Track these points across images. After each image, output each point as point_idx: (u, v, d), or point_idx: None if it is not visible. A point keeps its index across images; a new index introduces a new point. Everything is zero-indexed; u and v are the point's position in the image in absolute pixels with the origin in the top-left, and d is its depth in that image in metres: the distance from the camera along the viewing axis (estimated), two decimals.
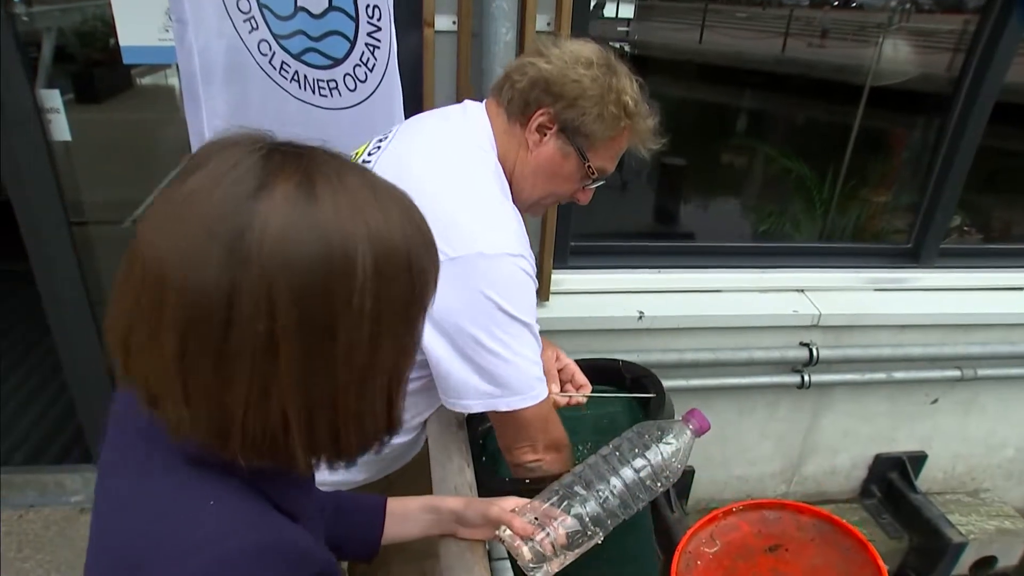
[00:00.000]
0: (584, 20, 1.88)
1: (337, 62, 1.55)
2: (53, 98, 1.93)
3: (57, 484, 2.43)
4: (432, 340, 1.01)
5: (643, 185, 2.89)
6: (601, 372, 1.43)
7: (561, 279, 2.17)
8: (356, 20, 1.51)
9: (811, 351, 2.27)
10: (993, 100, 2.20)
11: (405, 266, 0.57)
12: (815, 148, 2.94)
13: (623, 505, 0.96)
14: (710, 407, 2.31)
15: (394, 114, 1.56)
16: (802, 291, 2.36)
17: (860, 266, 2.43)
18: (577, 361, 1.35)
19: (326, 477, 1.20)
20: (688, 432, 1.00)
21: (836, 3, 3.41)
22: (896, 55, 2.70)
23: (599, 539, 0.95)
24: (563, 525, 0.92)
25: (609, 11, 2.54)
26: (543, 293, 2.10)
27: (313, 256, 0.52)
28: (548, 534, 0.91)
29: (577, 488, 0.95)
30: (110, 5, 1.69)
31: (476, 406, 1.05)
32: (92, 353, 2.24)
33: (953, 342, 2.39)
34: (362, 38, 1.52)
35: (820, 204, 2.70)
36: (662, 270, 2.30)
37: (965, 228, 2.68)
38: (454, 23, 1.75)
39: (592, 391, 1.32)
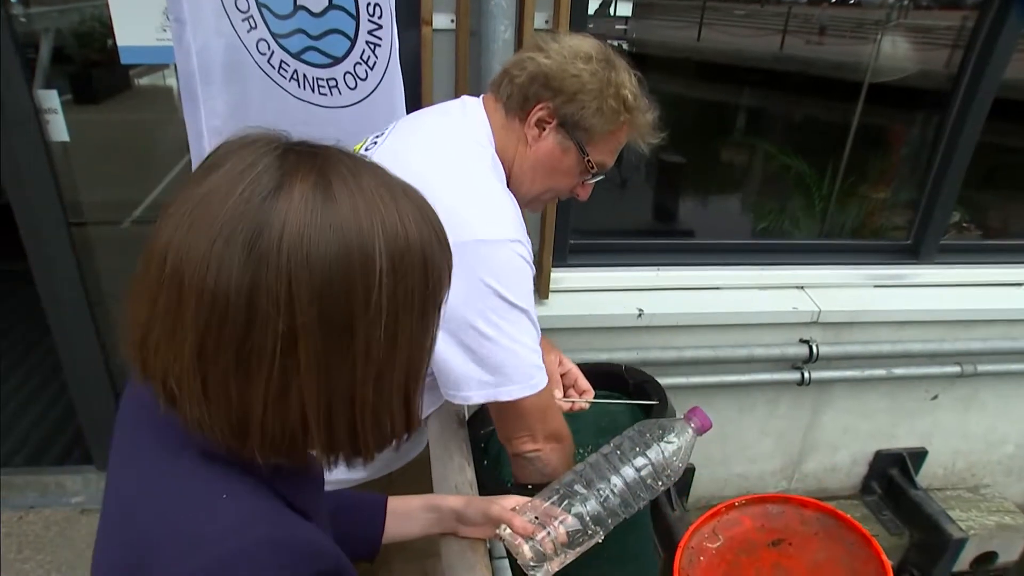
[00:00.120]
0: (582, 17, 1.88)
1: (337, 60, 1.55)
2: (51, 99, 1.93)
3: (58, 485, 2.43)
4: None
5: (642, 183, 2.89)
6: (604, 377, 1.43)
7: (560, 277, 2.17)
8: (357, 18, 1.51)
9: (811, 348, 2.27)
10: (992, 96, 2.20)
11: (420, 263, 0.58)
12: (814, 145, 2.94)
13: (624, 504, 0.95)
14: (710, 405, 2.31)
15: (395, 112, 1.56)
16: (802, 288, 2.36)
17: (860, 263, 2.43)
18: (580, 366, 1.35)
19: (327, 476, 1.21)
20: (690, 431, 1.00)
21: (834, 0, 3.41)
22: (895, 52, 2.70)
23: (600, 538, 0.95)
24: (564, 524, 0.92)
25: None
26: (542, 291, 2.10)
27: (332, 255, 0.53)
28: (549, 533, 0.91)
29: (578, 487, 0.95)
30: (107, 5, 1.69)
31: (475, 397, 1.04)
32: (92, 354, 2.24)
33: (953, 338, 2.39)
34: (363, 36, 1.51)
35: (819, 201, 2.70)
36: (661, 268, 2.29)
37: (964, 224, 2.68)
38: (452, 21, 1.75)
39: (595, 396, 1.32)
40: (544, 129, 1.10)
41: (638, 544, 1.42)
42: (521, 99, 1.10)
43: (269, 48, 1.54)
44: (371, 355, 0.57)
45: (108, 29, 1.73)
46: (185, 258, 0.53)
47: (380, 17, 1.49)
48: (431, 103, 1.75)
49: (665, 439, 0.98)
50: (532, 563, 0.91)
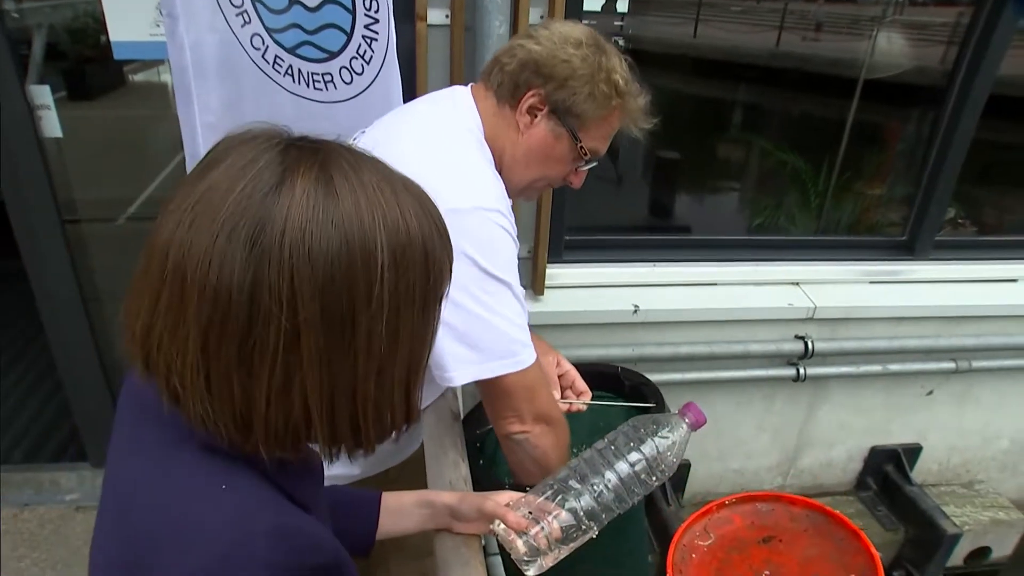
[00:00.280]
0: (577, 13, 1.88)
1: (333, 55, 1.55)
2: (44, 95, 1.92)
3: (52, 482, 2.42)
4: None
5: (638, 179, 2.89)
6: (600, 379, 1.44)
7: (556, 273, 2.17)
8: (353, 12, 1.50)
9: (806, 344, 2.28)
10: (987, 93, 2.20)
11: (421, 257, 0.59)
12: (810, 141, 2.94)
13: (618, 499, 0.95)
14: (706, 401, 2.31)
15: (392, 107, 1.55)
16: (797, 284, 2.37)
17: (855, 259, 2.43)
18: (576, 366, 1.35)
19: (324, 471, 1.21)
20: (684, 426, 1.00)
21: None
22: (890, 48, 2.70)
23: (594, 533, 0.95)
24: (558, 519, 0.91)
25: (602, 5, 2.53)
26: (537, 287, 2.09)
27: (334, 250, 0.54)
28: (543, 528, 0.91)
29: (572, 482, 0.95)
30: (100, 1, 1.68)
31: (459, 377, 1.01)
32: (86, 351, 2.23)
33: (948, 334, 2.40)
34: (359, 30, 1.51)
35: (815, 197, 2.70)
36: (657, 263, 2.29)
37: (960, 220, 2.69)
38: (447, 17, 1.75)
39: (591, 398, 1.32)
40: (536, 116, 1.10)
41: (633, 541, 1.42)
42: (512, 86, 1.09)
43: (263, 43, 1.53)
44: (373, 349, 0.57)
45: (102, 25, 1.72)
46: (187, 254, 0.53)
47: (377, 11, 1.49)
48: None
49: (659, 434, 0.97)
50: (526, 558, 0.91)
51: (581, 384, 1.31)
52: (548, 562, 0.93)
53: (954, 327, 2.40)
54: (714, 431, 2.48)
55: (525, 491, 0.98)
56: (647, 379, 1.44)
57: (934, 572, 2.51)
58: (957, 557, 2.59)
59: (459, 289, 0.96)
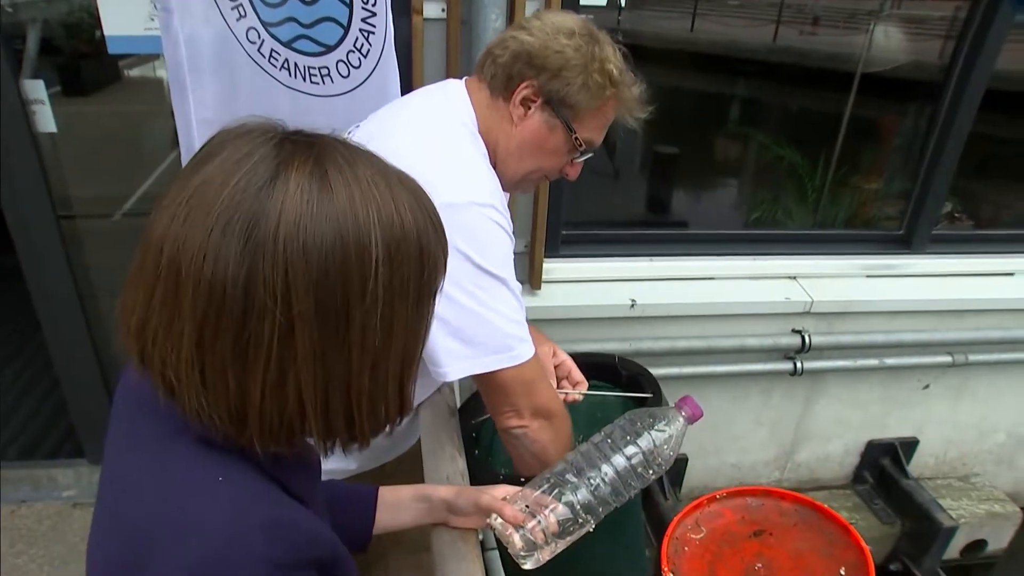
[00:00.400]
0: (573, 7, 1.87)
1: (329, 49, 1.54)
2: (37, 89, 1.91)
3: (50, 479, 2.42)
4: None
5: (635, 173, 2.89)
6: (597, 369, 1.43)
7: (552, 267, 2.16)
8: (350, 6, 1.50)
9: (803, 338, 2.28)
10: (983, 87, 2.20)
11: (416, 251, 0.59)
12: (807, 136, 2.94)
13: (615, 493, 0.95)
14: (703, 395, 2.31)
15: (389, 100, 1.55)
16: (794, 278, 2.37)
17: (852, 253, 2.43)
18: (573, 357, 1.35)
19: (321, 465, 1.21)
20: (681, 419, 1.00)
21: None
22: (887, 42, 2.70)
23: (590, 527, 0.95)
24: (554, 513, 0.91)
25: None
26: (534, 282, 2.09)
27: (328, 244, 0.54)
28: (539, 522, 0.91)
29: (568, 476, 0.95)
30: None
31: (453, 372, 1.01)
32: (83, 347, 2.23)
33: (945, 328, 2.40)
34: (356, 24, 1.50)
35: (812, 191, 2.70)
36: (654, 258, 2.29)
37: (956, 214, 2.69)
38: (443, 10, 1.74)
39: (588, 388, 1.31)
40: (529, 108, 1.09)
41: (630, 535, 1.42)
42: (505, 78, 1.08)
43: (259, 37, 1.52)
44: (367, 343, 0.58)
45: (96, 19, 1.71)
46: (182, 248, 0.53)
47: (374, 5, 1.48)
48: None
49: (656, 428, 0.97)
50: (523, 552, 0.91)
51: (577, 374, 1.31)
52: (545, 556, 0.93)
53: (951, 321, 2.41)
54: (711, 425, 2.49)
55: (521, 482, 0.98)
56: (644, 369, 1.44)
57: (930, 565, 2.52)
58: (953, 550, 2.60)
59: (452, 284, 0.96)
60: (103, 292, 2.21)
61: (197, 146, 0.65)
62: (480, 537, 1.03)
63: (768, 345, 2.29)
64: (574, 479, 0.94)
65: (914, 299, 2.35)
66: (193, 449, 0.59)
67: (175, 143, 1.62)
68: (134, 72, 2.18)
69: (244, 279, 0.52)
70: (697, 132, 3.04)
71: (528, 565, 0.92)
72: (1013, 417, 2.70)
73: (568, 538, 0.94)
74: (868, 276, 2.42)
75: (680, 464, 2.51)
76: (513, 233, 1.06)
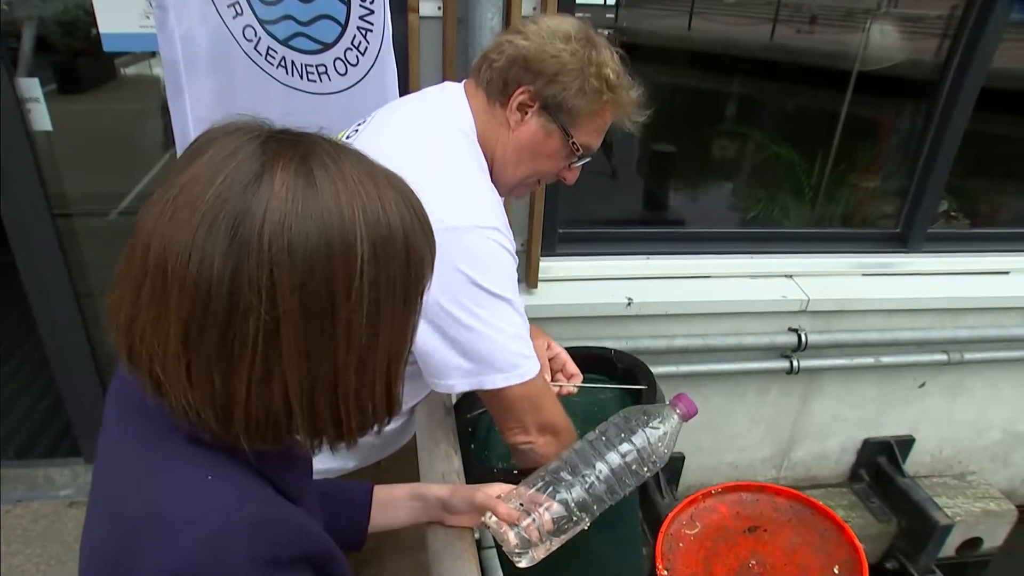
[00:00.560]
0: (570, 5, 1.87)
1: (327, 47, 1.54)
2: (33, 87, 1.91)
3: (46, 478, 2.42)
4: None
5: (632, 172, 2.89)
6: (593, 361, 1.43)
7: (549, 266, 2.17)
8: (348, 3, 1.50)
9: (800, 336, 2.28)
10: (979, 86, 2.21)
11: (402, 250, 0.59)
12: (804, 134, 2.94)
13: (609, 490, 0.96)
14: (700, 393, 2.32)
15: (387, 97, 1.55)
16: (791, 276, 2.37)
17: (848, 251, 2.44)
18: (568, 350, 1.35)
19: (315, 465, 1.21)
20: (675, 416, 1.00)
21: None
22: (884, 41, 2.70)
23: (585, 525, 0.95)
24: (549, 511, 0.92)
25: None
26: (531, 280, 2.09)
27: (313, 241, 0.54)
28: (534, 520, 0.91)
29: (563, 474, 0.95)
30: None
31: (459, 386, 1.02)
32: (79, 346, 2.23)
33: (940, 326, 2.41)
34: (354, 22, 1.50)
35: (809, 190, 2.70)
36: (651, 256, 2.30)
37: (952, 213, 2.69)
38: (439, 8, 1.74)
39: (583, 381, 1.31)
40: (526, 113, 1.09)
41: (627, 533, 1.42)
42: (501, 83, 1.08)
43: (256, 35, 1.52)
44: (353, 341, 0.58)
45: (92, 17, 1.71)
46: (168, 246, 0.53)
47: (372, 2, 1.48)
48: (418, 91, 1.75)
49: (650, 425, 0.98)
50: (517, 550, 0.91)
51: (572, 367, 1.31)
52: (539, 554, 0.93)
53: (947, 319, 2.41)
54: (708, 424, 2.49)
55: (516, 475, 0.98)
56: (640, 361, 1.43)
57: (926, 563, 2.52)
58: (949, 548, 2.60)
59: (458, 305, 0.97)
60: (99, 290, 2.20)
61: None
62: (477, 536, 1.03)
63: (764, 343, 2.30)
64: (569, 477, 0.94)
65: (910, 297, 2.36)
66: (182, 448, 0.59)
67: (171, 141, 1.61)
68: (130, 70, 2.18)
69: (229, 277, 0.52)
70: (694, 130, 3.04)
71: (523, 563, 0.93)
72: (1008, 415, 2.71)
73: (563, 536, 0.95)
74: (864, 274, 2.43)
75: (677, 462, 2.51)
76: (515, 253, 1.06)
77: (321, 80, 1.58)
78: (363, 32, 1.52)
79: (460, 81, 1.19)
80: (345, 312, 0.56)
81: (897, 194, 2.53)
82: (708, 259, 2.33)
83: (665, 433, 0.98)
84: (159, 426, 0.60)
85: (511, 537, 0.91)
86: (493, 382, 1.02)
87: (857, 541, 1.02)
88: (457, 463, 1.10)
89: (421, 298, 0.64)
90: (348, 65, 1.56)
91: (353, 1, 1.49)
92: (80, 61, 2.13)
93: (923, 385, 2.57)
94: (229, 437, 0.58)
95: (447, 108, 1.11)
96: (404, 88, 1.74)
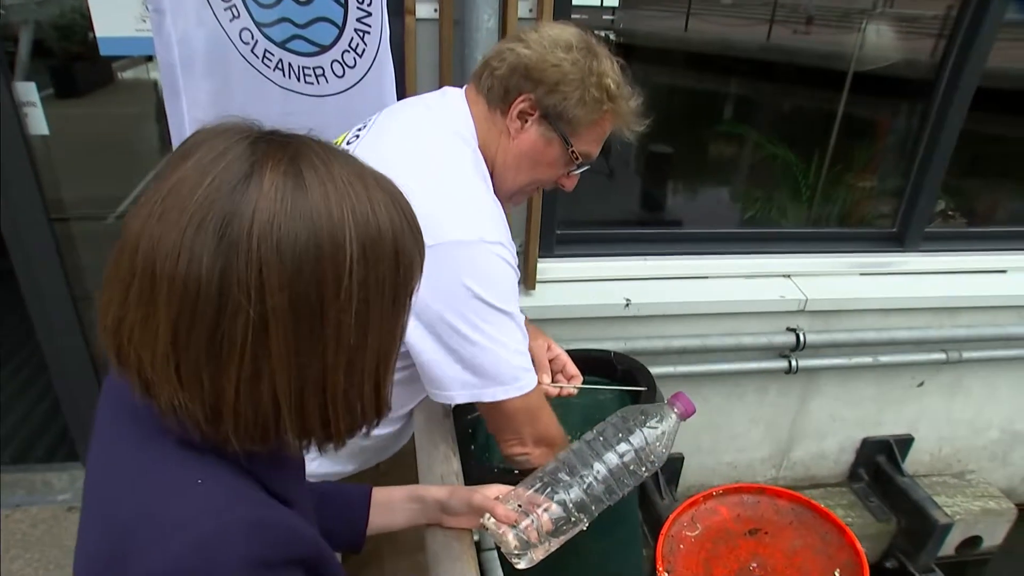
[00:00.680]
0: (566, 7, 1.87)
1: (324, 49, 1.54)
2: (29, 92, 1.90)
3: (44, 483, 2.41)
4: (412, 330, 1.00)
5: (629, 173, 2.89)
6: (592, 363, 1.43)
7: (547, 267, 2.17)
8: (345, 6, 1.50)
9: (798, 336, 2.28)
10: (975, 85, 2.21)
11: (391, 251, 0.59)
12: (801, 134, 2.95)
13: (608, 491, 0.95)
14: (698, 394, 2.32)
15: (385, 99, 1.55)
16: (788, 276, 2.37)
17: (846, 251, 2.44)
18: (568, 352, 1.35)
19: (314, 469, 1.21)
20: (673, 416, 1.00)
21: None
22: (879, 41, 2.71)
23: (584, 525, 0.95)
24: (547, 512, 0.92)
25: None
26: (529, 282, 2.09)
27: (302, 242, 0.54)
28: (532, 521, 0.91)
29: (561, 474, 0.95)
30: None
31: (459, 397, 1.04)
32: (77, 350, 2.22)
33: (938, 325, 2.41)
34: (351, 24, 1.51)
35: (806, 190, 2.71)
36: (649, 257, 2.30)
37: (949, 212, 2.70)
38: (436, 10, 1.74)
39: (583, 382, 1.32)
40: (527, 121, 1.09)
41: (627, 533, 1.43)
42: (502, 91, 1.08)
43: (253, 38, 1.52)
44: (342, 341, 0.58)
45: (89, 21, 1.70)
46: (156, 247, 0.53)
47: (370, 4, 1.48)
48: (415, 93, 1.75)
49: (648, 425, 0.98)
50: (516, 551, 0.91)
51: (572, 368, 1.32)
52: (538, 555, 0.93)
53: (944, 318, 2.41)
54: (707, 424, 2.49)
55: (517, 474, 0.98)
56: (640, 363, 1.44)
57: (926, 561, 2.52)
58: (948, 546, 2.60)
59: (462, 320, 0.98)
60: (97, 294, 2.20)
61: None
62: (477, 538, 1.03)
63: (763, 343, 2.30)
64: (567, 477, 0.94)
65: (907, 296, 2.36)
66: (173, 450, 0.59)
67: (168, 145, 1.61)
68: (127, 74, 2.18)
69: (218, 277, 0.52)
70: (691, 131, 3.04)
71: (521, 564, 0.93)
72: (1006, 413, 2.71)
73: (562, 537, 0.94)
74: (862, 274, 2.43)
75: (676, 463, 2.51)
76: (517, 267, 1.07)
77: (318, 82, 1.58)
78: (360, 34, 1.52)
79: (457, 84, 1.19)
80: (334, 312, 0.56)
81: (894, 194, 2.53)
82: (706, 259, 2.33)
83: (663, 433, 0.98)
84: (150, 428, 0.60)
85: (510, 538, 0.91)
86: (493, 395, 1.03)
87: (858, 544, 1.02)
88: (456, 465, 1.10)
89: (410, 299, 0.64)
90: (345, 67, 1.56)
91: (350, 3, 1.50)
92: (77, 65, 2.13)
93: (921, 384, 2.57)
94: (219, 438, 0.58)
95: (448, 114, 1.11)
96: (400, 90, 1.75)
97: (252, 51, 1.53)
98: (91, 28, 1.71)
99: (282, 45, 1.54)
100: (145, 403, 0.58)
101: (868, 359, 2.39)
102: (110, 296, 0.57)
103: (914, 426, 2.67)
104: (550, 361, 1.32)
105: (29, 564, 2.16)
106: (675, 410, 1.00)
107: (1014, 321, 2.46)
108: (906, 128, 2.65)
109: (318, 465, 1.22)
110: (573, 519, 0.93)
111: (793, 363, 2.32)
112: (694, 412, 1.01)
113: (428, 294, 0.95)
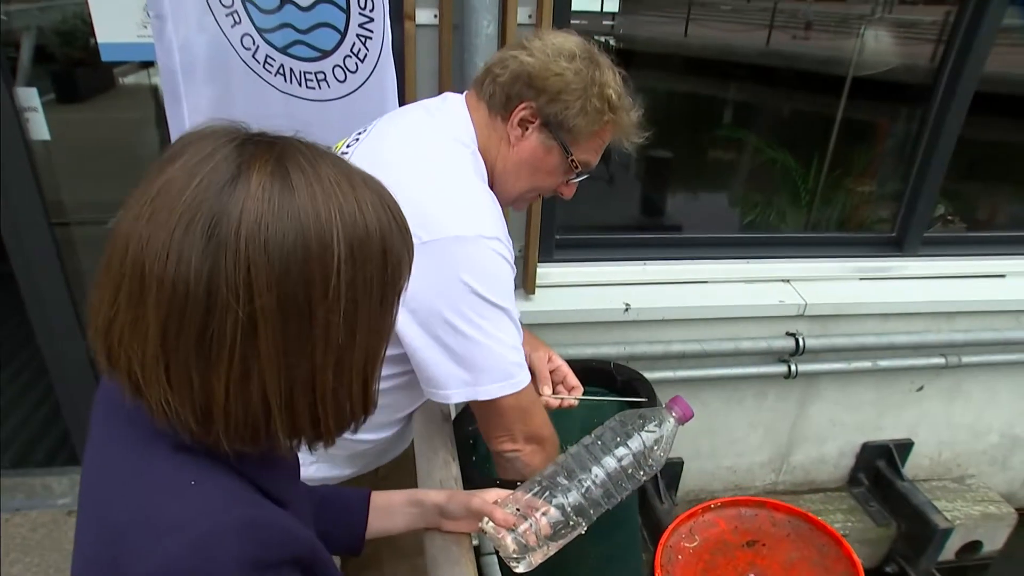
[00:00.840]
0: (565, 12, 1.88)
1: (326, 54, 1.55)
2: (31, 97, 1.91)
3: (44, 487, 2.41)
4: (408, 327, 1.00)
5: (629, 177, 2.90)
6: (593, 374, 1.44)
7: (546, 272, 2.17)
8: (347, 11, 1.50)
9: (797, 341, 2.29)
10: (973, 90, 2.22)
11: (379, 251, 0.59)
12: (800, 139, 2.96)
13: (606, 495, 0.96)
14: (698, 398, 2.32)
15: (387, 104, 1.55)
16: (788, 281, 2.38)
17: (845, 255, 2.44)
18: (569, 362, 1.35)
19: (313, 473, 1.21)
20: (671, 420, 1.00)
21: None
22: (878, 46, 2.72)
23: (582, 529, 0.95)
24: (546, 516, 0.92)
25: (593, 4, 2.54)
26: (528, 286, 2.10)
27: (289, 242, 0.54)
28: (531, 525, 0.91)
29: (560, 478, 0.95)
30: (87, 2, 1.67)
31: (455, 396, 1.04)
32: (77, 354, 2.22)
33: (937, 329, 2.41)
34: (353, 29, 1.51)
35: (805, 194, 2.71)
36: (648, 262, 2.30)
37: (948, 217, 2.70)
38: (436, 16, 1.75)
39: (583, 393, 1.32)
40: (527, 129, 1.09)
41: (626, 537, 1.43)
42: (504, 98, 1.09)
43: (254, 43, 1.53)
44: (330, 341, 0.58)
45: (90, 27, 1.71)
46: (145, 248, 0.54)
47: (372, 10, 1.49)
48: (415, 98, 1.76)
49: (646, 429, 0.98)
50: (515, 555, 0.91)
51: (573, 379, 1.32)
52: (537, 559, 0.93)
53: (943, 323, 2.42)
54: (706, 429, 2.49)
55: (516, 486, 0.98)
56: (640, 374, 1.44)
57: (926, 566, 2.52)
58: (949, 551, 2.60)
59: (457, 314, 0.98)
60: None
61: None
62: (476, 542, 1.03)
63: (762, 348, 2.30)
64: (565, 482, 0.94)
65: (907, 301, 2.36)
66: (166, 452, 0.59)
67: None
68: (128, 80, 2.19)
69: (207, 277, 0.53)
70: (690, 136, 3.05)
71: (520, 568, 0.93)
72: (1006, 418, 2.71)
73: (560, 541, 0.95)
74: (861, 279, 2.43)
75: (676, 467, 2.51)
76: (513, 263, 1.07)
77: (320, 87, 1.58)
78: (363, 39, 1.52)
79: (457, 89, 1.20)
80: (322, 312, 0.57)
81: (893, 198, 2.54)
82: (705, 264, 2.33)
83: (661, 436, 0.98)
84: (143, 430, 0.60)
85: (508, 542, 0.91)
86: (488, 392, 1.03)
87: (855, 556, 1.03)
88: (455, 471, 1.10)
89: (399, 298, 0.65)
90: (347, 72, 1.57)
91: (352, 8, 1.50)
92: (78, 71, 2.14)
93: (921, 388, 2.57)
94: (209, 439, 0.58)
95: (449, 120, 1.12)
96: (400, 95, 1.75)
97: (253, 56, 1.54)
98: (92, 34, 1.72)
99: (283, 50, 1.54)
100: (136, 405, 0.58)
101: (867, 363, 2.40)
102: (100, 298, 0.57)
103: (914, 430, 2.67)
104: (551, 372, 1.32)
105: (29, 568, 2.16)
106: (673, 414, 1.00)
107: (1013, 325, 2.46)
108: (905, 133, 2.65)
109: (316, 469, 1.22)
110: (572, 523, 0.93)
111: (792, 368, 2.33)
112: (692, 416, 1.01)
113: (425, 290, 0.95)
